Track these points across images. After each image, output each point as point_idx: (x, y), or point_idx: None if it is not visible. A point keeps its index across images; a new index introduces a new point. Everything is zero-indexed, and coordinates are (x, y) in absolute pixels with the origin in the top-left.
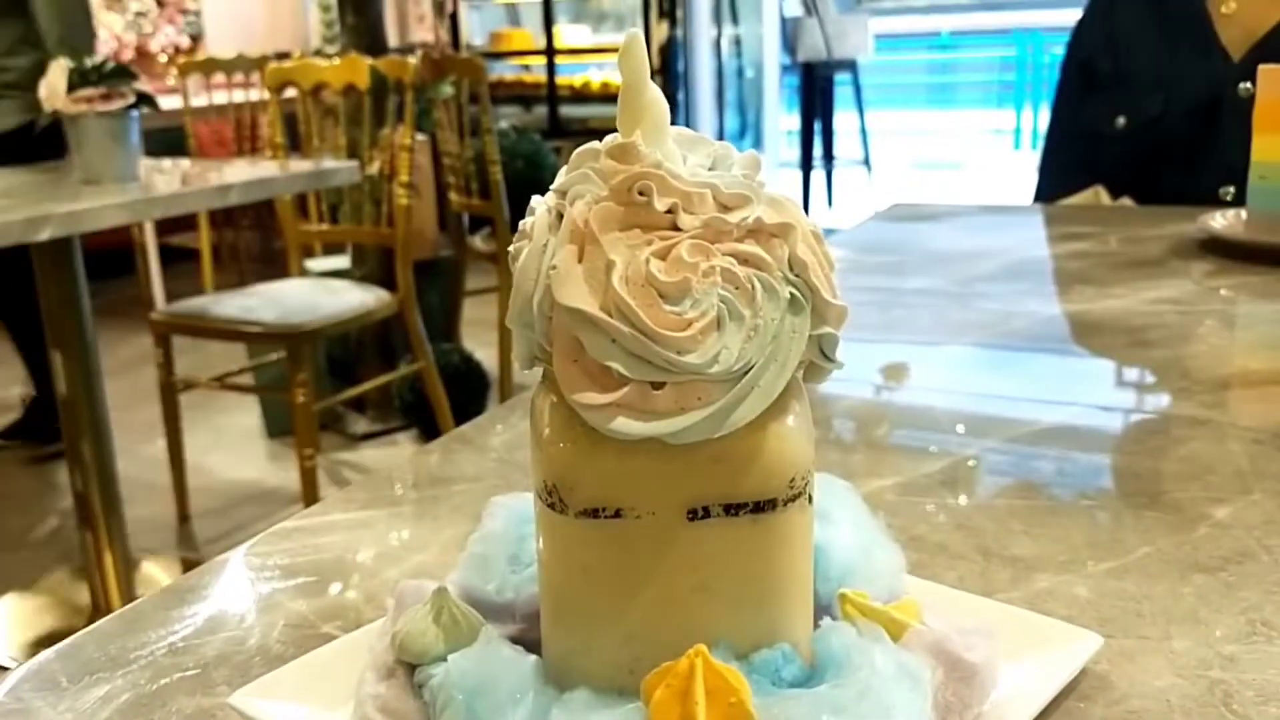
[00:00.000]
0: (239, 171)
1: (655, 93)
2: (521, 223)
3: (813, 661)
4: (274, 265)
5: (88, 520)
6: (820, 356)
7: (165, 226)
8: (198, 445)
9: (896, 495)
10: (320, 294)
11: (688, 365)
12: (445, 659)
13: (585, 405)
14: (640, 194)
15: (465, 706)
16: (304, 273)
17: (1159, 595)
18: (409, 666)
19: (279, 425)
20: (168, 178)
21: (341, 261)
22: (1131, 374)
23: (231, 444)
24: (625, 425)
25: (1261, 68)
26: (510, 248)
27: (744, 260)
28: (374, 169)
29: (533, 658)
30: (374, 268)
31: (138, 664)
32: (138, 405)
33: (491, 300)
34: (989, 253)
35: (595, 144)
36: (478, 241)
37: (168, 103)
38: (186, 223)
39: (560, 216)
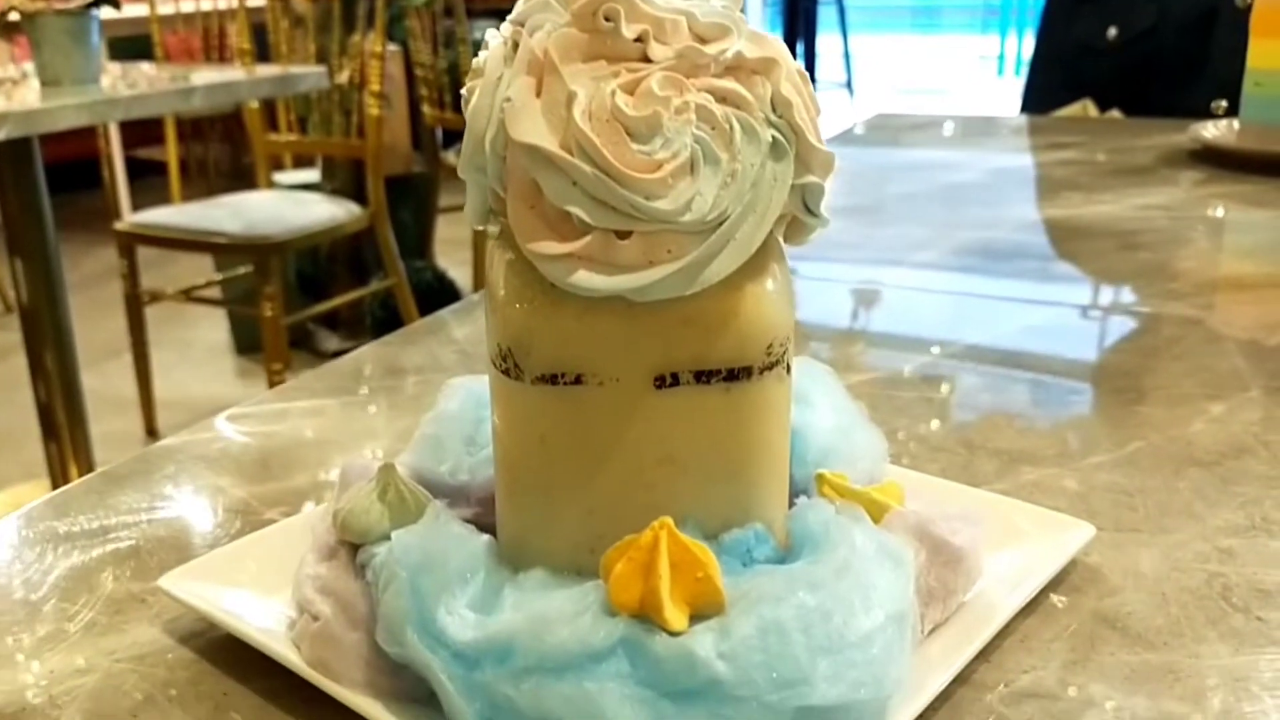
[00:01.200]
0: (204, 76)
1: None
2: (475, 59)
3: (787, 543)
4: (243, 180)
5: (52, 432)
6: (803, 210)
7: (131, 138)
8: (165, 361)
9: (878, 389)
10: (289, 206)
11: (657, 212)
12: (390, 538)
13: (543, 256)
14: (606, 19)
15: (409, 584)
16: (273, 186)
17: (1152, 489)
18: (352, 547)
19: (248, 341)
20: (130, 80)
21: (311, 175)
22: (1121, 276)
23: (199, 359)
24: (587, 279)
25: None
26: (463, 90)
27: (722, 98)
28: (343, 77)
29: (485, 537)
30: (345, 182)
31: (66, 547)
32: (103, 320)
33: (465, 218)
34: (973, 161)
35: None
36: (452, 157)
37: (133, 10)
38: (153, 135)
39: (517, 48)
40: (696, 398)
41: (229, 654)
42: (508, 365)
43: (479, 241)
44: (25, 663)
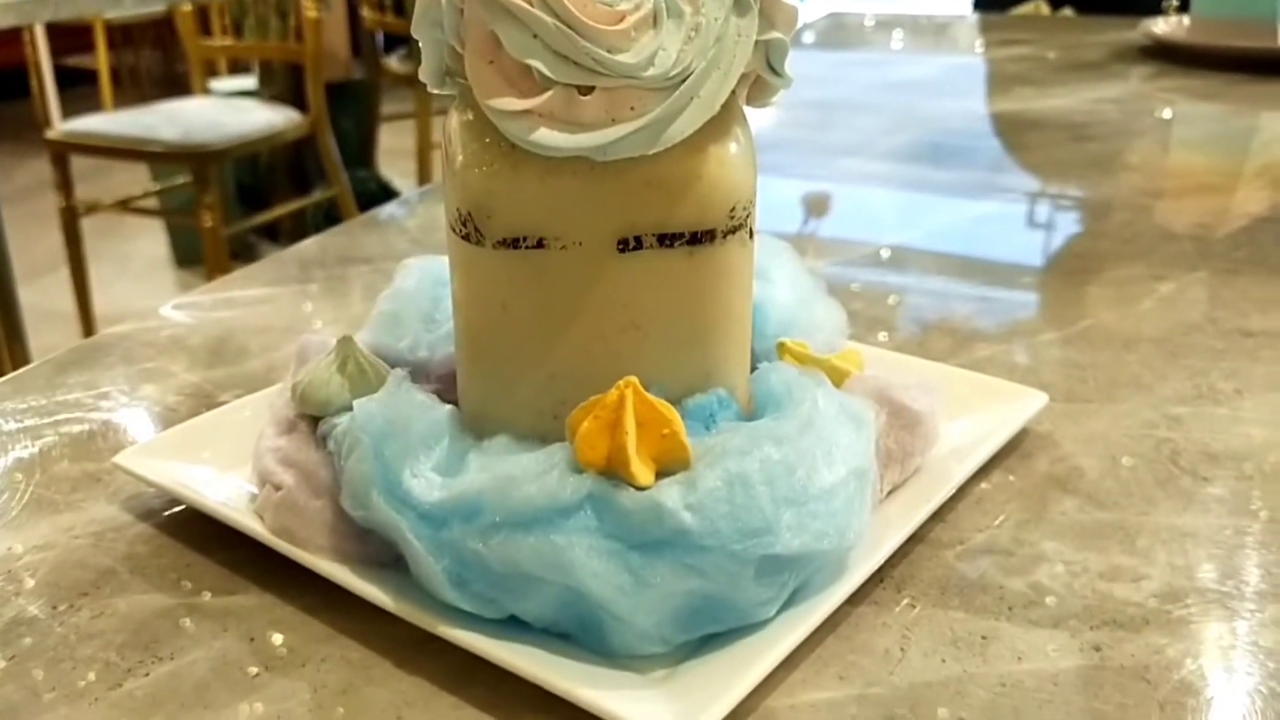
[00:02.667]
0: None
1: None
2: None
3: (750, 408)
4: (177, 88)
5: None
6: (767, 69)
7: (60, 46)
8: (103, 274)
9: (833, 277)
10: (226, 113)
11: (619, 66)
12: (351, 409)
13: (502, 112)
14: None
15: (373, 449)
16: (208, 94)
17: (1103, 363)
18: (312, 420)
19: (188, 253)
20: None
21: (248, 82)
22: (1072, 166)
23: (139, 272)
24: (548, 137)
25: None
26: None
27: None
28: None
29: (448, 407)
30: (283, 89)
31: (17, 430)
32: (38, 234)
33: (409, 127)
34: (926, 59)
35: None
36: (393, 63)
37: None
38: (83, 42)
39: None
40: (659, 262)
41: (189, 528)
42: (468, 230)
43: (423, 150)
44: None
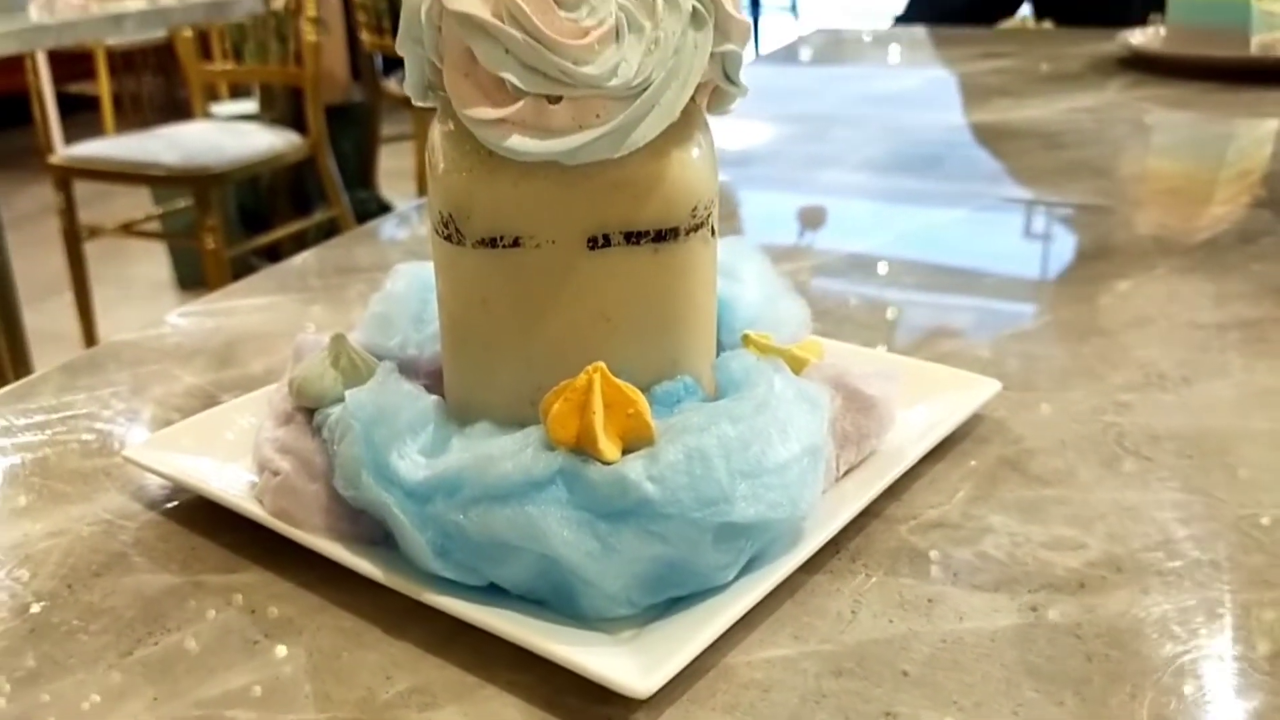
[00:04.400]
0: (135, 3)
1: None
2: None
3: (714, 393)
4: (178, 113)
5: None
6: (723, 78)
7: (62, 73)
8: (106, 297)
9: (806, 278)
10: (227, 136)
11: (585, 77)
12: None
13: (479, 121)
14: None
15: (363, 434)
16: (209, 118)
17: (1059, 355)
18: (308, 412)
19: (190, 276)
20: (58, 9)
21: (248, 106)
22: (1043, 172)
23: (141, 295)
24: (520, 143)
25: None
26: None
27: None
28: (279, 3)
29: (434, 397)
30: (283, 112)
31: (31, 429)
32: (42, 258)
33: (408, 148)
34: (909, 72)
35: None
36: (393, 85)
37: None
38: (84, 69)
39: None
40: (627, 258)
41: (194, 514)
42: (450, 231)
43: (423, 170)
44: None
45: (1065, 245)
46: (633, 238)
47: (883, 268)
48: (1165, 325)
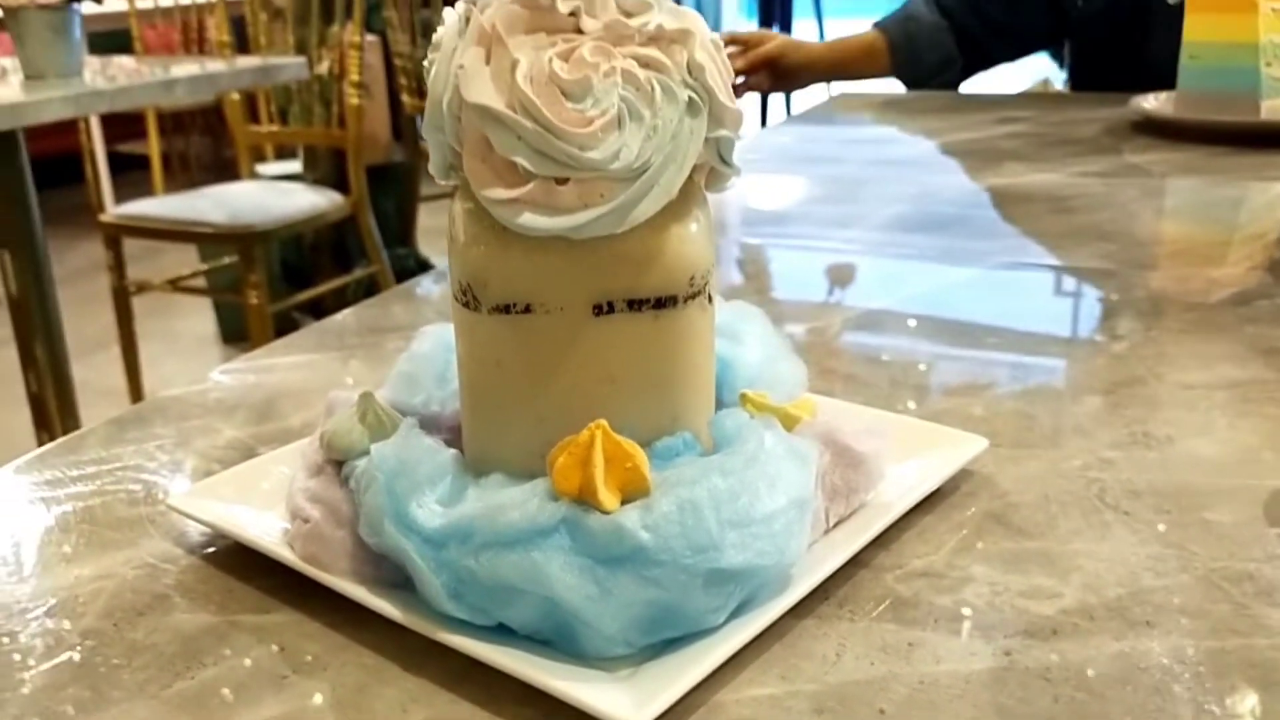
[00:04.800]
0: (185, 68)
1: None
2: (434, 35)
3: (712, 450)
4: (225, 172)
5: (43, 423)
6: (718, 160)
7: (113, 133)
8: (152, 351)
9: (812, 338)
10: (271, 196)
11: (589, 161)
12: (369, 453)
13: (493, 200)
14: None
15: (385, 486)
16: (255, 177)
17: (1050, 413)
18: (337, 464)
19: (234, 330)
20: (110, 74)
21: (293, 166)
22: (1049, 236)
23: (186, 349)
24: (531, 220)
25: None
26: (425, 62)
27: (644, 63)
28: (323, 68)
29: (453, 450)
30: (326, 172)
31: (82, 480)
32: (91, 312)
33: (445, 208)
34: (927, 134)
35: None
36: None
37: (113, 4)
38: (135, 129)
39: (469, 23)
40: (630, 323)
41: (231, 559)
42: (468, 299)
43: None
44: (51, 573)
45: (1066, 308)
46: (635, 305)
47: (887, 328)
48: (1155, 385)
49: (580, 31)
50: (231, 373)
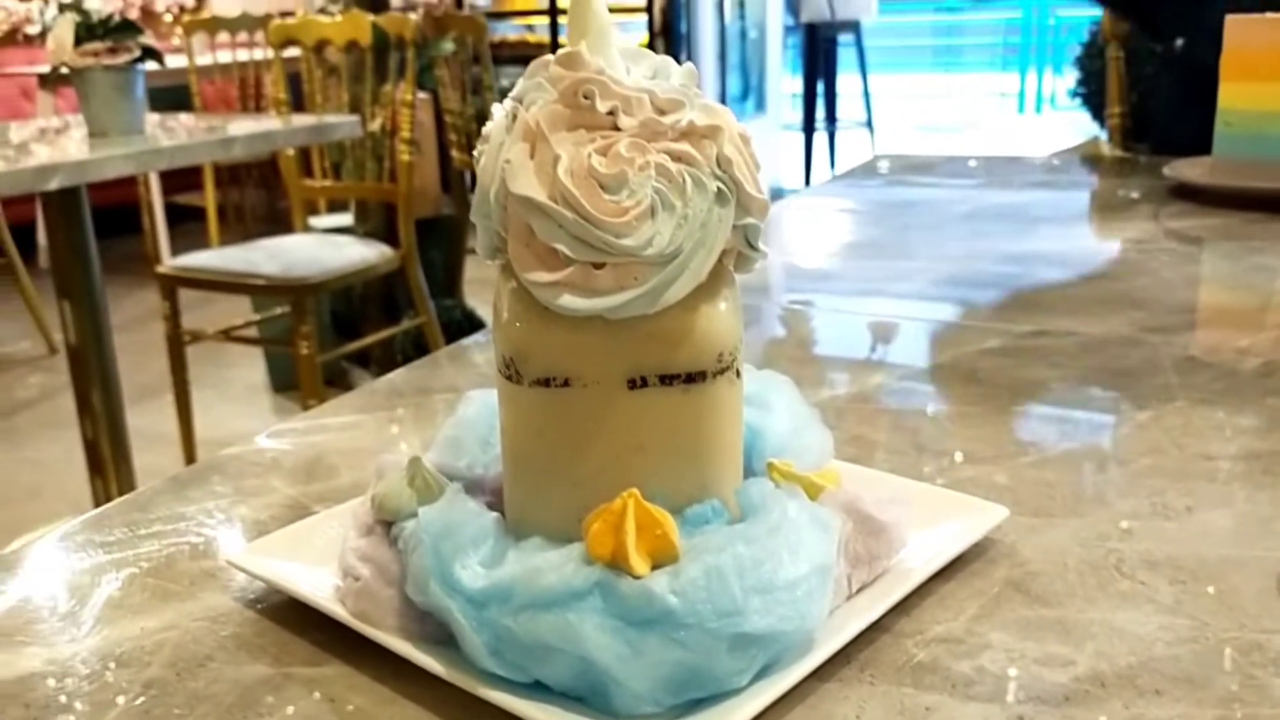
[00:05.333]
0: (242, 125)
1: (599, 6)
2: (484, 129)
3: (740, 517)
4: (279, 224)
5: (98, 468)
6: (745, 245)
7: (171, 185)
8: (204, 399)
9: (846, 403)
10: (324, 249)
11: (624, 248)
12: (417, 515)
13: (535, 283)
14: (585, 97)
15: (432, 547)
16: (308, 230)
17: (1072, 482)
18: (386, 525)
19: (284, 379)
20: (172, 131)
21: (345, 219)
22: (1080, 302)
23: (237, 397)
24: (570, 301)
25: (1228, 18)
26: (474, 152)
27: (677, 157)
28: (376, 125)
29: (495, 514)
30: (377, 225)
31: (147, 536)
32: (146, 361)
33: None
34: (968, 198)
35: (548, 55)
36: None
37: (173, 62)
38: (192, 181)
39: (515, 119)
40: (662, 397)
41: (287, 614)
42: (511, 372)
43: None
44: (119, 624)
45: (1092, 377)
46: (666, 380)
47: (916, 395)
48: (1177, 456)
49: (618, 129)
50: (285, 434)
